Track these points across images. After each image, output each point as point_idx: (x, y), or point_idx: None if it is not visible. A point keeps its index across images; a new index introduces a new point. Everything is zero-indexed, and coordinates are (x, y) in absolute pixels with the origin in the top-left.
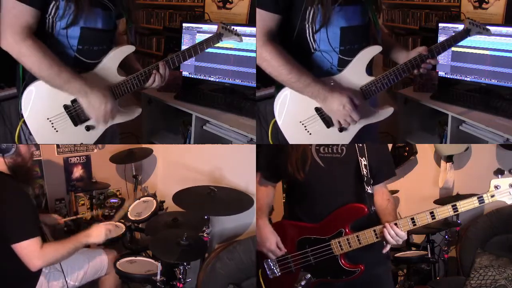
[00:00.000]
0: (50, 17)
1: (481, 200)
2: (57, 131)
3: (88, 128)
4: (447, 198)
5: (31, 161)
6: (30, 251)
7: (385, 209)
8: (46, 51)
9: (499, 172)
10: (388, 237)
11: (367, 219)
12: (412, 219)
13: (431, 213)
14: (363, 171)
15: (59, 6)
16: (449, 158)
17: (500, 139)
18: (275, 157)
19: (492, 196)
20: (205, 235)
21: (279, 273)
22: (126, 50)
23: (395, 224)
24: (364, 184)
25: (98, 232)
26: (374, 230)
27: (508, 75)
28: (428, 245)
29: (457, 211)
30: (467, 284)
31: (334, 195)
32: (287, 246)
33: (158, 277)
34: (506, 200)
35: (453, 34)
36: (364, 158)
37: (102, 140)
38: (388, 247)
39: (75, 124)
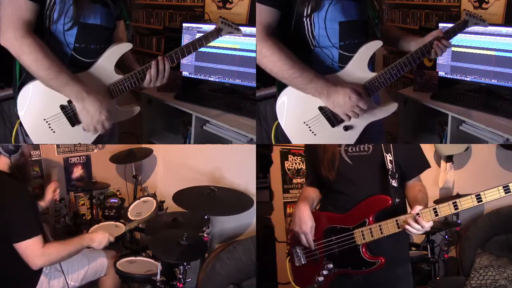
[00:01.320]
0: (48, 12)
1: (507, 189)
2: (54, 131)
3: None
4: (447, 198)
5: (29, 161)
6: (32, 250)
7: (415, 196)
8: (46, 51)
9: None
10: (413, 230)
11: (393, 211)
12: (435, 209)
13: (454, 203)
14: (388, 165)
15: (56, 0)
16: (449, 158)
17: (500, 139)
18: (314, 164)
19: None
20: (205, 235)
21: (305, 261)
22: (123, 47)
23: (417, 214)
24: (388, 177)
25: (102, 239)
26: (396, 220)
27: (508, 75)
28: (428, 245)
29: (481, 201)
30: (467, 284)
31: (360, 189)
32: (314, 235)
33: (158, 277)
34: None
35: (452, 25)
36: (389, 154)
37: (100, 139)
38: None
39: (72, 125)
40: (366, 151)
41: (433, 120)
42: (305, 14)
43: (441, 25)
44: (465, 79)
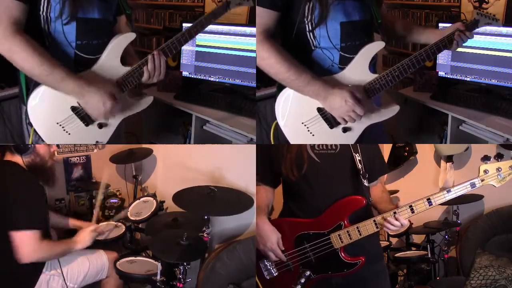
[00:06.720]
0: (44, 13)
1: (472, 184)
2: (69, 134)
3: (100, 126)
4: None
5: (51, 161)
6: (29, 241)
7: (381, 197)
8: (37, 48)
9: (486, 158)
10: (392, 227)
11: (363, 212)
12: (411, 206)
13: (428, 199)
14: (358, 165)
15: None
16: (449, 158)
17: (500, 139)
18: (271, 161)
19: (482, 180)
20: (205, 235)
21: (276, 273)
22: (127, 37)
23: (394, 213)
24: (360, 177)
25: (83, 239)
26: (374, 221)
27: (508, 75)
28: (428, 245)
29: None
30: (467, 284)
31: (330, 190)
32: (284, 244)
33: (158, 277)
34: (494, 183)
35: (464, 23)
36: (358, 154)
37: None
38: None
39: (86, 124)
40: (333, 149)
41: (433, 120)
42: (306, 15)
43: (441, 25)
44: (465, 79)
